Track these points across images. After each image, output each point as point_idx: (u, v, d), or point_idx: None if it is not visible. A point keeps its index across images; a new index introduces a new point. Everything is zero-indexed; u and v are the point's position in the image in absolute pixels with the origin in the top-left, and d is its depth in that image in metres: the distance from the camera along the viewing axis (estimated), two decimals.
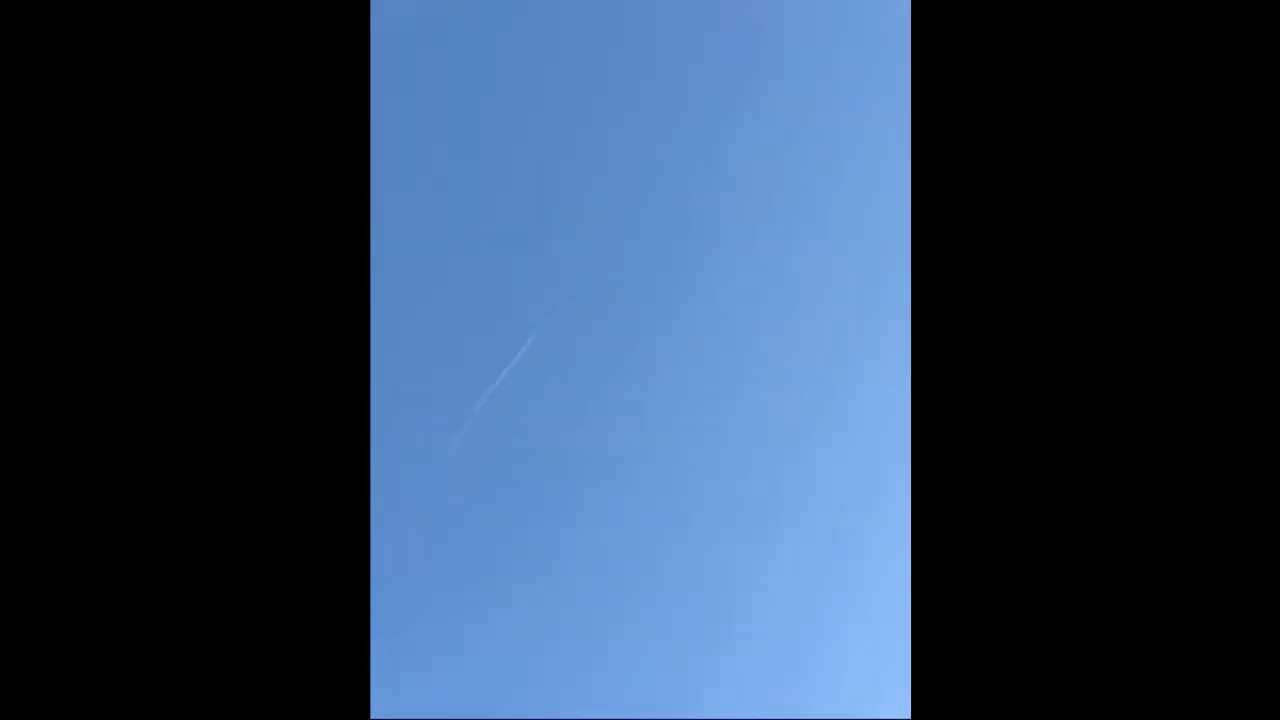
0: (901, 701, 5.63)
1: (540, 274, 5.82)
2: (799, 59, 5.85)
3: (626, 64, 5.88)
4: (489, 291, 5.81)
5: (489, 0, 5.86)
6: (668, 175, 5.86)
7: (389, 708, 5.55)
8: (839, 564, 5.75)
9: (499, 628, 5.66)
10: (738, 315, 5.84)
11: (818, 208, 5.84)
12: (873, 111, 5.80)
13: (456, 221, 5.81)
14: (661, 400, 5.81)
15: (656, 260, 5.84)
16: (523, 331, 5.76)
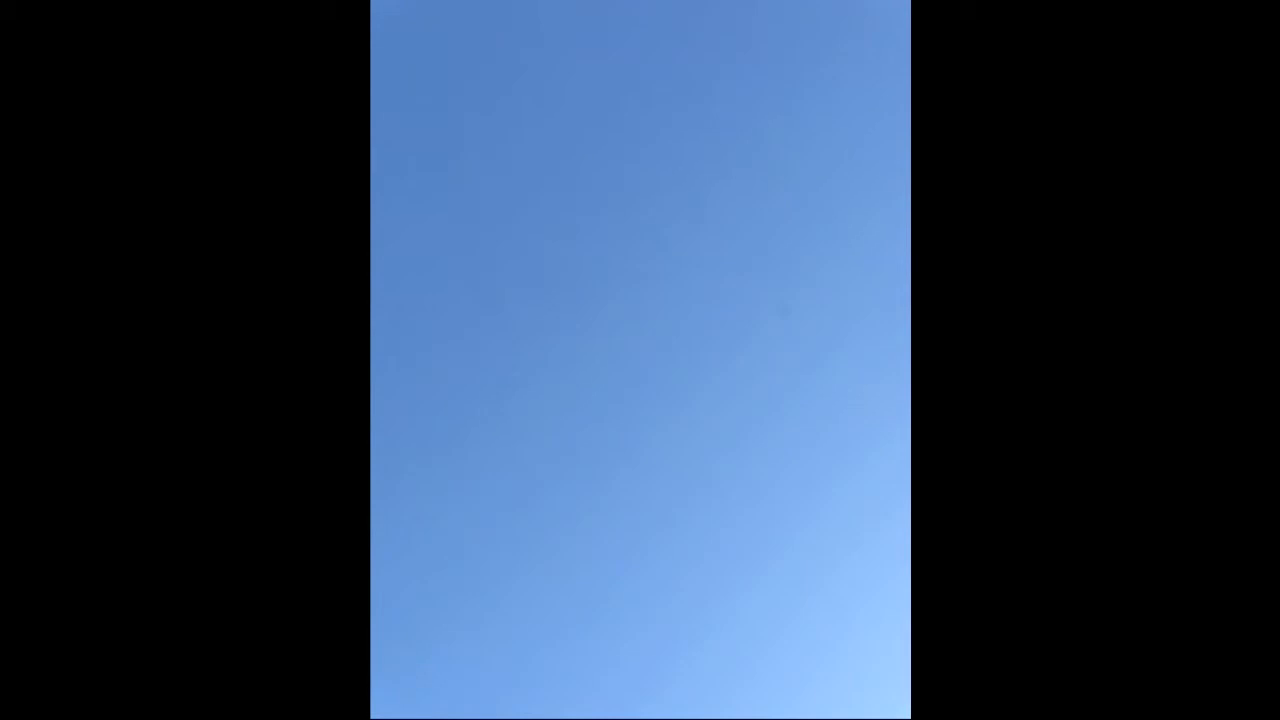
0: (901, 701, 5.63)
1: (540, 274, 5.82)
2: (796, 57, 5.85)
3: (627, 64, 5.88)
4: (489, 292, 5.81)
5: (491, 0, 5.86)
6: (668, 174, 5.87)
7: (389, 708, 5.55)
8: (838, 563, 5.75)
9: (499, 627, 5.67)
10: (735, 314, 5.84)
11: (815, 207, 5.84)
12: (871, 111, 5.80)
13: (457, 221, 5.81)
14: (660, 399, 5.82)
15: (656, 259, 5.84)
16: (522, 332, 5.76)
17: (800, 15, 5.87)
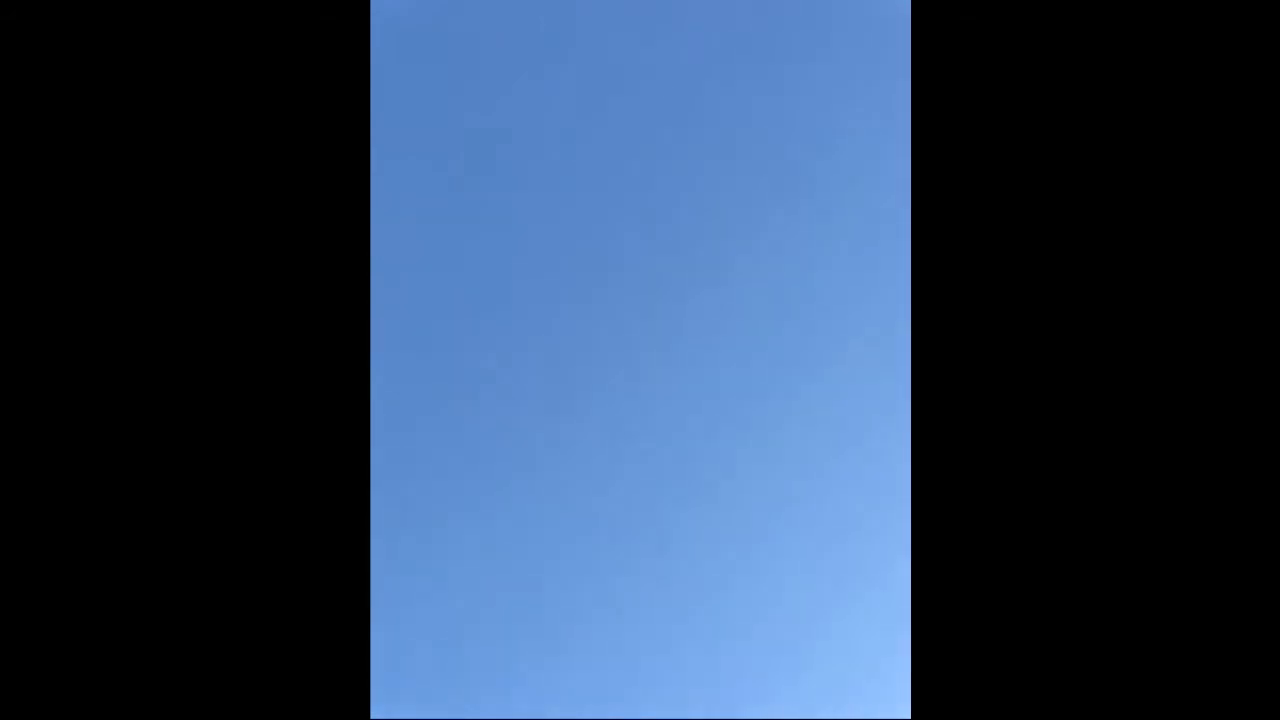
0: (901, 701, 5.63)
1: (541, 275, 5.83)
2: (796, 57, 5.86)
3: (626, 63, 5.89)
4: (489, 292, 5.81)
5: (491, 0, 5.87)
6: (669, 175, 5.87)
7: (389, 708, 5.56)
8: (838, 563, 5.75)
9: (499, 627, 5.67)
10: (734, 315, 5.84)
11: (814, 207, 5.84)
12: (871, 111, 5.81)
13: (457, 221, 5.82)
14: (657, 398, 5.82)
15: (657, 259, 5.85)
16: (522, 335, 5.77)
17: (800, 13, 5.88)
